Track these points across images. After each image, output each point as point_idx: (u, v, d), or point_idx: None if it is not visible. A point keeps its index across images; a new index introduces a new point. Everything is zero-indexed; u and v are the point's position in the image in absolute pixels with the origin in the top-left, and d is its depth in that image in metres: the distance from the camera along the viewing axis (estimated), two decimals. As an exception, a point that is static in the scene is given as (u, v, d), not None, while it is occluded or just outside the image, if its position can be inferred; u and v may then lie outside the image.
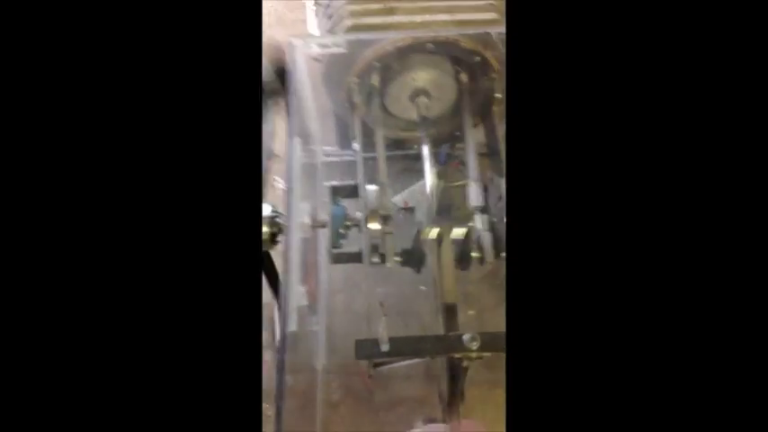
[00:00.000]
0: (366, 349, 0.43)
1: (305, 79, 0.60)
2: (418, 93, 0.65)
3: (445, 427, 0.48)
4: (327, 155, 0.76)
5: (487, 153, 0.66)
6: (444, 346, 0.46)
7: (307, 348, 0.60)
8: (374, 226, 0.55)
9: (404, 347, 0.45)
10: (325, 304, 0.66)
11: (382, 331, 0.44)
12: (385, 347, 0.43)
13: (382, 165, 0.60)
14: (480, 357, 0.46)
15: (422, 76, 0.64)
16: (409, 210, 0.68)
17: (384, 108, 0.67)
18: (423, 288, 0.66)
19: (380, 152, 0.61)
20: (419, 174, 0.65)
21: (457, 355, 0.45)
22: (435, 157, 0.81)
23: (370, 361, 0.46)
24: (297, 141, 0.52)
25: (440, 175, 0.79)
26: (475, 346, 0.44)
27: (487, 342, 0.44)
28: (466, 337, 0.44)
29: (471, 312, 0.70)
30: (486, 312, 0.68)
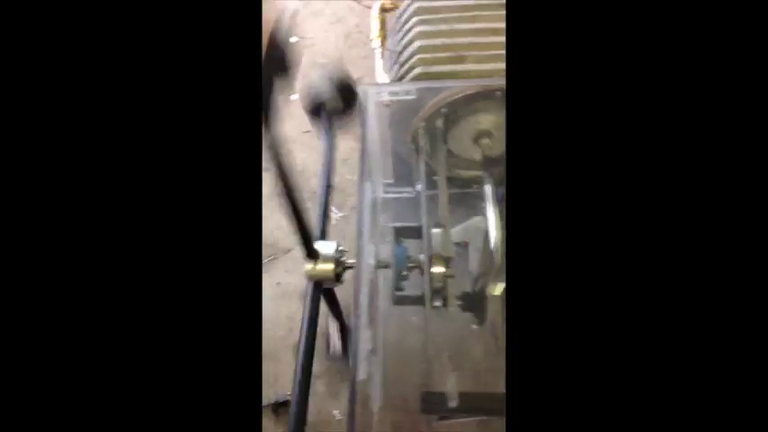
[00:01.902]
0: (433, 403, 0.43)
1: (373, 122, 0.63)
2: (482, 134, 0.66)
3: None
4: (386, 192, 0.78)
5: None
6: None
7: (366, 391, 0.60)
8: (438, 269, 0.55)
9: (473, 404, 0.44)
10: (384, 347, 0.66)
11: (450, 387, 0.43)
12: (453, 403, 0.42)
13: (444, 207, 0.60)
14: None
15: (486, 119, 0.65)
16: (463, 245, 0.68)
17: (447, 150, 0.68)
18: (474, 327, 0.64)
19: (443, 195, 0.62)
20: (472, 210, 0.65)
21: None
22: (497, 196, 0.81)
23: (435, 415, 0.45)
24: (368, 185, 0.54)
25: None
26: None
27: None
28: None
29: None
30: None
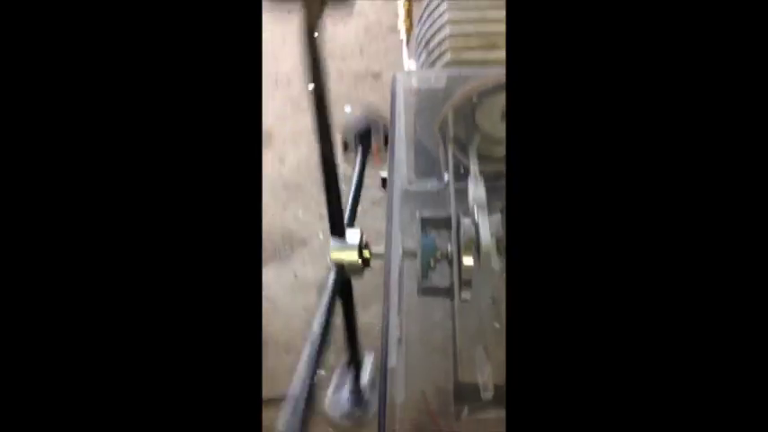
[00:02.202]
0: (466, 394, 0.41)
1: (401, 111, 0.61)
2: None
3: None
4: (418, 183, 0.76)
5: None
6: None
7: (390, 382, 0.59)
8: (468, 260, 0.54)
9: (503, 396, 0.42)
10: (406, 338, 0.65)
11: (486, 378, 0.41)
12: (488, 395, 0.41)
13: (474, 197, 0.59)
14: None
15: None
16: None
17: (477, 134, 0.67)
18: (497, 326, 0.63)
19: (474, 183, 0.60)
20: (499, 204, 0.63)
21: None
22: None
23: (468, 407, 0.44)
24: (399, 173, 0.53)
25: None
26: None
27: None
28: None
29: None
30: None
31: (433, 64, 0.63)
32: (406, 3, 0.75)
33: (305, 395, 0.38)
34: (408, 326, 0.70)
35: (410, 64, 0.70)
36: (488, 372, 0.42)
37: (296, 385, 0.40)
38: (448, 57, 0.61)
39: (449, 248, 0.57)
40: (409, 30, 0.73)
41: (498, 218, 0.67)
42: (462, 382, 0.42)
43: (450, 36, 0.63)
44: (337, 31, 1.35)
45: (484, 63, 0.61)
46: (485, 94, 0.60)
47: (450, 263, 0.55)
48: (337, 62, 1.34)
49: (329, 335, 0.52)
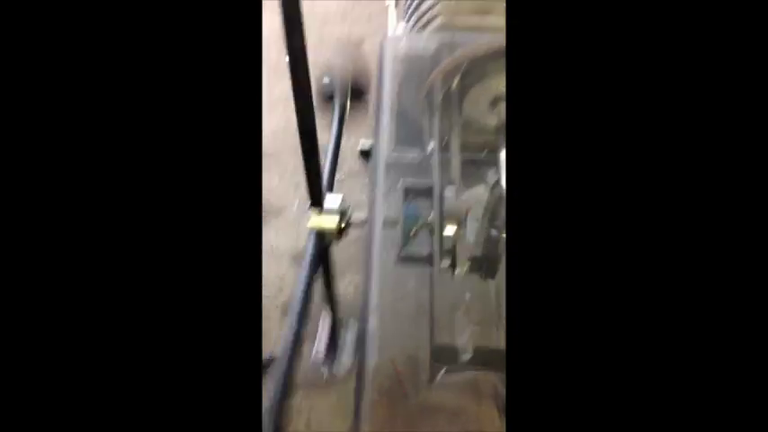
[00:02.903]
0: (445, 356, 0.42)
1: (388, 77, 0.59)
2: (500, 99, 0.64)
3: None
4: (402, 152, 0.75)
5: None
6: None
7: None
8: (450, 230, 0.54)
9: (487, 359, 0.43)
10: (380, 306, 0.65)
11: (467, 339, 0.42)
12: (466, 356, 0.42)
13: (456, 168, 0.59)
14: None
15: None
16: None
17: (461, 112, 0.66)
18: (468, 295, 0.64)
19: (455, 156, 0.60)
20: (479, 180, 0.63)
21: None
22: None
23: (446, 368, 0.44)
24: (384, 139, 0.51)
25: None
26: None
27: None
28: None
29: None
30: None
31: (422, 28, 0.61)
32: (396, -37, 0.72)
33: (289, 363, 0.38)
34: (383, 294, 0.70)
35: (398, 28, 0.68)
36: (468, 334, 0.43)
37: (281, 354, 0.39)
38: (439, 20, 0.60)
39: (430, 218, 0.56)
40: (398, -7, 0.70)
41: (482, 189, 0.67)
42: (440, 344, 0.43)
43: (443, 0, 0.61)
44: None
45: (477, 29, 0.59)
46: (475, 62, 0.58)
47: (432, 232, 0.55)
48: (318, 26, 1.28)
49: (310, 303, 0.52)
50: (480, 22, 0.59)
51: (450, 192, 0.56)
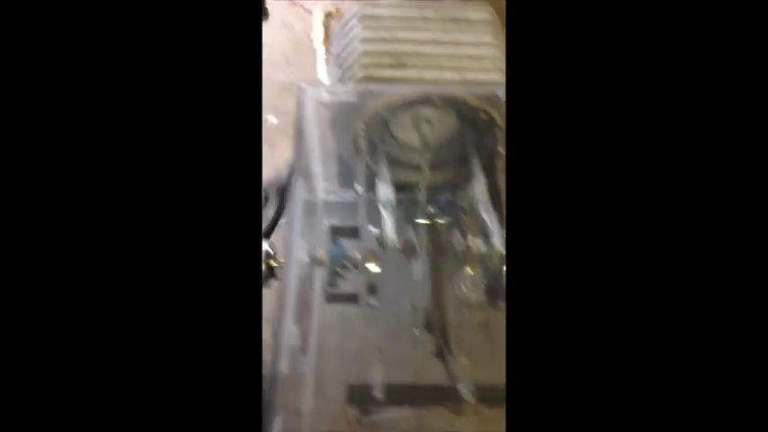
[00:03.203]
0: (358, 395, 0.42)
1: (312, 122, 0.63)
2: (422, 119, 0.68)
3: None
4: (328, 192, 0.77)
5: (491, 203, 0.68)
6: (441, 396, 0.45)
7: (295, 390, 0.58)
8: (372, 267, 0.55)
9: (399, 396, 0.44)
10: (317, 345, 0.65)
11: (377, 378, 0.43)
12: (379, 394, 0.42)
13: (385, 207, 0.61)
14: (477, 412, 0.45)
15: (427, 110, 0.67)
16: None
17: (388, 155, 0.70)
18: (416, 332, 0.65)
19: (383, 195, 0.63)
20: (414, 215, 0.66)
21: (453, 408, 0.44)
22: (436, 202, 0.84)
23: (361, 408, 0.45)
24: (300, 180, 0.54)
25: (438, 220, 0.82)
26: (472, 398, 0.43)
27: (485, 395, 0.43)
28: (463, 388, 0.44)
29: (465, 362, 0.69)
30: (481, 363, 0.67)
31: (346, 80, 0.66)
32: (326, 20, 0.77)
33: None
34: (322, 333, 0.70)
35: (326, 80, 0.72)
36: (379, 372, 0.43)
37: None
38: (359, 73, 0.64)
39: (357, 256, 0.58)
40: (327, 47, 0.75)
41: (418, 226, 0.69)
42: (354, 384, 0.43)
43: (363, 54, 0.66)
44: (265, 44, 1.34)
45: (393, 81, 0.64)
46: (393, 109, 0.63)
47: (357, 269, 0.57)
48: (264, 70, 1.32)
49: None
50: (395, 74, 0.64)
51: (372, 230, 0.58)
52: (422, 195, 0.65)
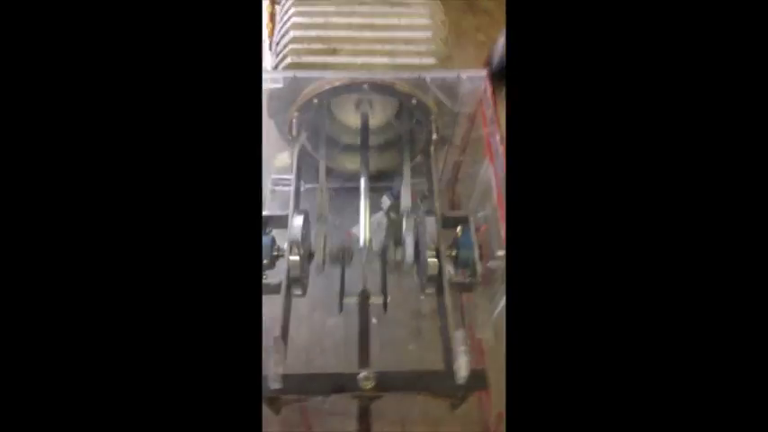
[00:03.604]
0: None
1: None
2: (362, 102, 0.67)
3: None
4: (276, 184, 0.77)
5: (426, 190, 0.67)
6: (337, 385, 0.45)
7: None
8: (294, 257, 0.55)
9: (294, 385, 0.44)
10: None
11: (274, 368, 0.43)
12: (275, 385, 0.43)
13: (322, 195, 0.61)
14: (377, 397, 0.45)
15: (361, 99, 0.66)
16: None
17: (328, 141, 0.69)
18: (374, 321, 0.65)
19: (322, 182, 0.62)
20: (372, 208, 0.65)
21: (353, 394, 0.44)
22: (389, 191, 0.83)
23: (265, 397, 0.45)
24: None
25: (391, 209, 0.81)
26: (369, 385, 0.43)
27: (384, 381, 0.43)
28: (360, 376, 0.44)
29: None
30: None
31: (277, 66, 0.65)
32: (270, 6, 0.76)
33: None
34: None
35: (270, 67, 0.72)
36: (277, 362, 0.43)
37: None
38: (288, 60, 0.63)
39: (285, 245, 0.58)
40: (271, 33, 0.74)
41: (380, 217, 0.68)
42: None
43: (294, 39, 0.64)
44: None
45: (325, 67, 0.63)
46: (324, 96, 0.62)
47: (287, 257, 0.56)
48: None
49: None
50: (327, 60, 0.63)
51: (298, 220, 0.57)
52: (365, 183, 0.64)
